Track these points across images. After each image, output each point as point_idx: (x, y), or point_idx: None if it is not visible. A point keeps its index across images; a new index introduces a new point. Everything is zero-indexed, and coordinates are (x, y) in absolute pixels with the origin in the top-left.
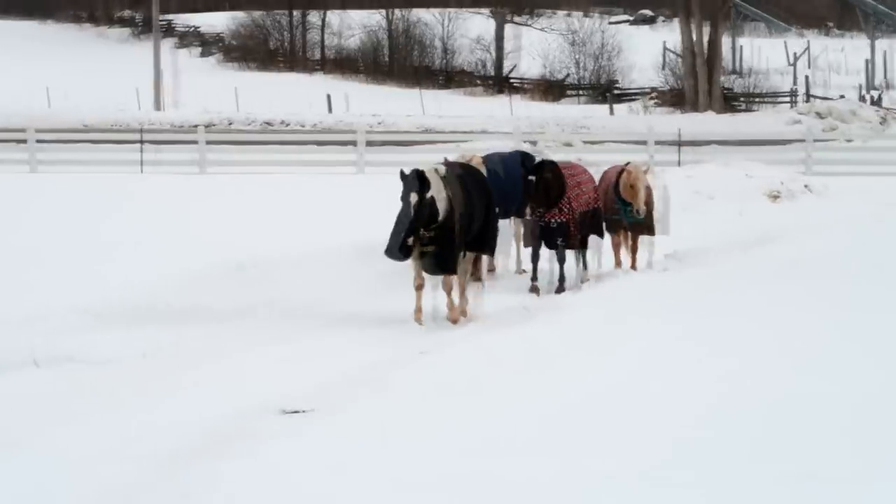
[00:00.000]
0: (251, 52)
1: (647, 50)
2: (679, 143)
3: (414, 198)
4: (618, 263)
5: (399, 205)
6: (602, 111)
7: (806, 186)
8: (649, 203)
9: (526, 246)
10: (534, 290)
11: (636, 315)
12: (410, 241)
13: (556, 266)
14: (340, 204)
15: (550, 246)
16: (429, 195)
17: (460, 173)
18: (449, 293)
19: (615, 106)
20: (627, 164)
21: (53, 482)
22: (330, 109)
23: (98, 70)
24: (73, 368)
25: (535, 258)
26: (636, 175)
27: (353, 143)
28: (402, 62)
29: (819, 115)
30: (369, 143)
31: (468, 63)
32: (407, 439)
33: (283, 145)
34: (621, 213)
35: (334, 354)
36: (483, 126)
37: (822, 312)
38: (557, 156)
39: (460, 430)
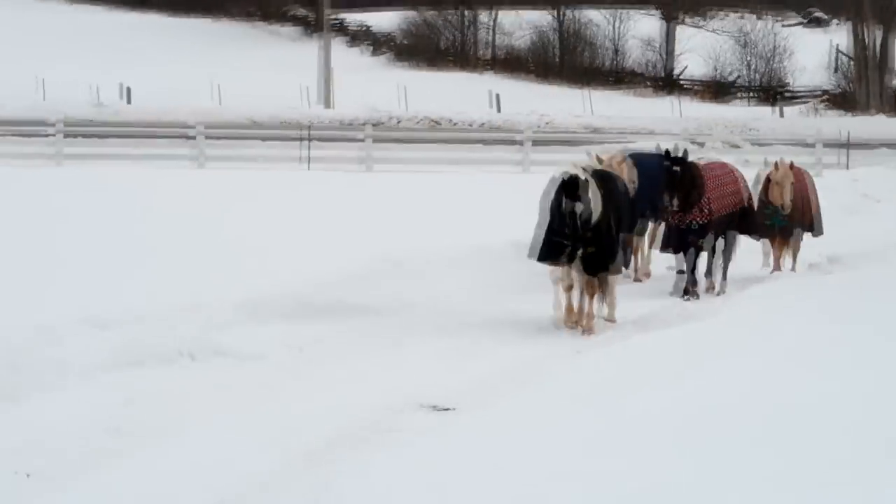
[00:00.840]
0: (421, 50)
1: (817, 52)
2: (847, 146)
3: (580, 207)
4: (776, 268)
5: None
6: (770, 113)
7: None
8: (804, 203)
9: (662, 249)
10: (692, 294)
11: (791, 316)
12: (578, 252)
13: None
14: (503, 202)
15: (686, 249)
16: (588, 198)
17: (601, 172)
18: (592, 298)
19: (784, 108)
20: (775, 163)
21: (205, 469)
22: (498, 108)
23: (268, 67)
24: (225, 362)
25: (690, 263)
26: (783, 173)
27: (520, 143)
28: (571, 62)
29: None
30: (535, 143)
31: (637, 63)
32: (557, 438)
33: (449, 143)
34: (771, 216)
35: (487, 351)
36: (650, 127)
37: None
38: (723, 157)
39: (611, 429)
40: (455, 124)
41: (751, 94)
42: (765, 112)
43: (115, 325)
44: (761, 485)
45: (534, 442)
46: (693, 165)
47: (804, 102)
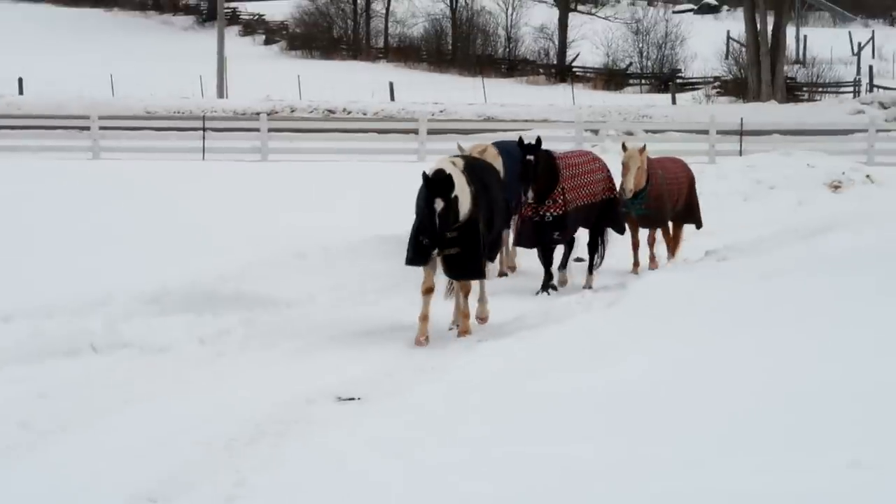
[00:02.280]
0: (315, 40)
1: (710, 39)
2: (741, 133)
3: (440, 204)
4: (635, 263)
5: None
6: (664, 100)
7: (867, 176)
8: (668, 191)
9: (515, 244)
10: (549, 288)
11: (679, 310)
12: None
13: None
14: (401, 192)
15: (545, 241)
16: (453, 195)
17: (476, 166)
18: (466, 297)
19: (678, 95)
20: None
21: (114, 465)
22: (392, 97)
23: (162, 58)
24: (131, 354)
25: (545, 256)
26: (629, 154)
27: (415, 132)
28: (465, 51)
29: (882, 106)
30: (431, 132)
31: (531, 52)
32: (461, 426)
33: (345, 133)
34: (627, 204)
35: (389, 342)
36: (544, 115)
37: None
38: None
39: (514, 417)
40: (350, 113)
41: (644, 82)
42: (658, 99)
43: (21, 318)
44: (674, 462)
45: (441, 429)
46: (547, 154)
47: (697, 89)
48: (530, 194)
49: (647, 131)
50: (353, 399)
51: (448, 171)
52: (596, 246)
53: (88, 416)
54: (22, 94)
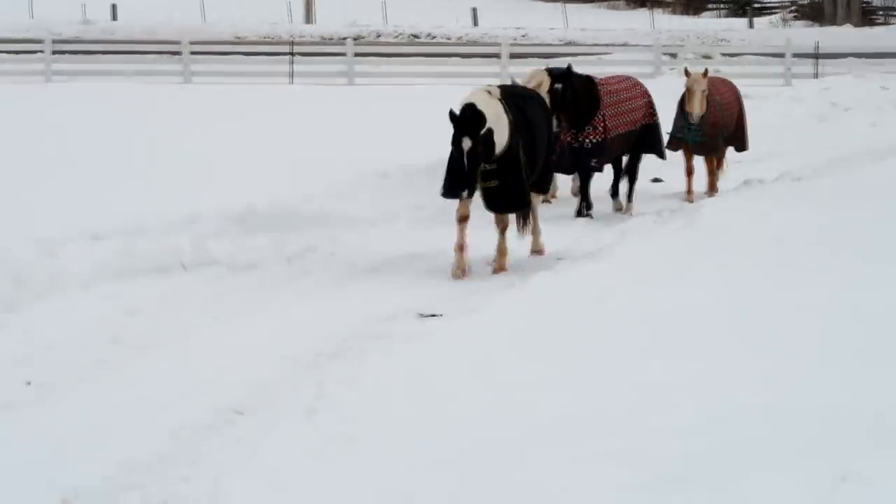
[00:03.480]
0: None
1: None
2: (816, 56)
3: (467, 143)
4: (689, 191)
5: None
6: (741, 24)
7: None
8: (721, 117)
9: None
10: (586, 214)
11: (754, 231)
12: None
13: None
14: None
15: (583, 168)
16: (485, 130)
17: (516, 93)
18: (503, 233)
19: (755, 19)
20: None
21: (203, 378)
22: (475, 22)
23: None
24: (219, 272)
25: (584, 184)
26: (693, 79)
27: (498, 56)
28: None
29: None
30: (513, 56)
31: None
32: (540, 341)
33: (429, 57)
34: (684, 130)
35: (471, 261)
36: (624, 39)
37: None
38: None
39: (593, 334)
40: (434, 38)
41: (722, 6)
42: (736, 23)
43: (111, 237)
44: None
45: (520, 346)
46: (588, 81)
47: (774, 13)
48: (560, 122)
49: (724, 55)
50: (434, 315)
51: (479, 106)
52: (635, 173)
53: (177, 332)
54: (115, 20)
